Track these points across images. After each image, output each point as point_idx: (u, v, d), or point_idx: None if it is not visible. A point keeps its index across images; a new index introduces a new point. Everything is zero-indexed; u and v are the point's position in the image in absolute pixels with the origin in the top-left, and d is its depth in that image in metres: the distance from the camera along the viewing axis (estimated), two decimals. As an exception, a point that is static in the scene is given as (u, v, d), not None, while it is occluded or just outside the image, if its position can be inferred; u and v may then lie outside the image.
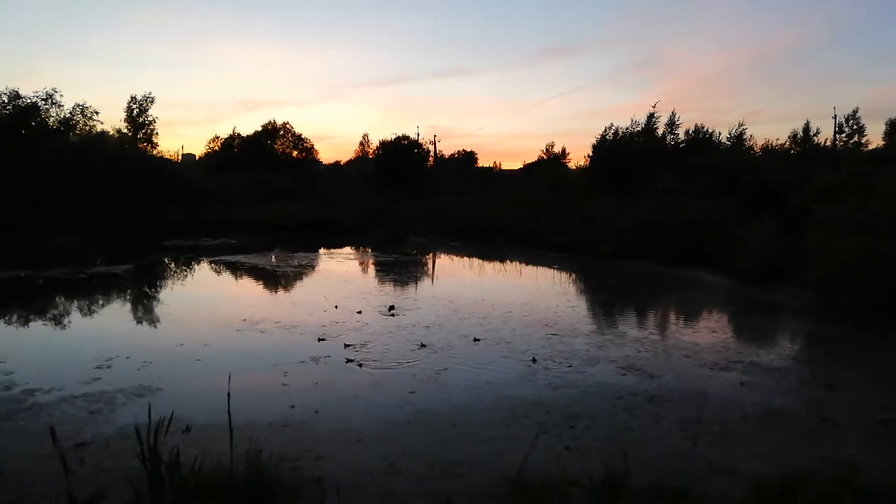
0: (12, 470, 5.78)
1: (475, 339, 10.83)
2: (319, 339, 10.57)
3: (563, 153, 79.00)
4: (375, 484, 5.61)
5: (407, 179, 52.05)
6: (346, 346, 10.33)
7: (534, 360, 9.51)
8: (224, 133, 77.79)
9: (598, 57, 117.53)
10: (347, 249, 26.94)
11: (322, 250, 26.47)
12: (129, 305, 14.45)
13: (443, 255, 24.86)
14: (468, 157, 79.00)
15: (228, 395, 4.58)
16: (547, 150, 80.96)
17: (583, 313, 13.75)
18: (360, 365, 9.27)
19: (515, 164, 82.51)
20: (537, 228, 28.96)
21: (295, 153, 60.39)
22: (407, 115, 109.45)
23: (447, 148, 71.28)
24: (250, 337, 10.91)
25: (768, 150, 41.37)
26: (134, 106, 46.56)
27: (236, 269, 20.16)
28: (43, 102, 43.11)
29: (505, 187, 54.69)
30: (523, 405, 7.62)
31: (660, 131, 44.32)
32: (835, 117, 45.64)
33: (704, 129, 43.58)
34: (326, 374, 8.87)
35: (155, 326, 11.92)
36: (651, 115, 44.49)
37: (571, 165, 69.36)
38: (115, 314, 13.40)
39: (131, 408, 7.43)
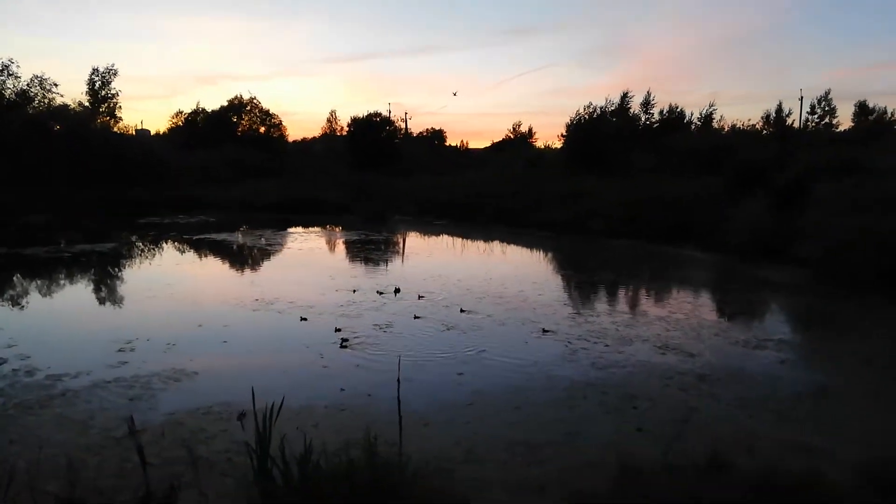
0: (66, 462, 5.38)
1: (501, 323, 10.66)
2: (337, 329, 10.15)
3: (531, 132, 79.03)
4: (460, 471, 5.40)
5: (380, 157, 51.31)
6: (375, 325, 10.05)
7: (569, 343, 9.38)
8: (185, 108, 75.55)
9: (562, 37, 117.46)
10: (334, 228, 26.43)
11: (309, 229, 25.89)
12: (129, 284, 13.81)
13: (432, 235, 24.57)
14: (437, 136, 78.31)
15: (398, 381, 4.30)
16: (514, 129, 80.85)
17: (595, 292, 13.71)
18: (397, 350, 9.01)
19: (481, 143, 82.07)
20: (521, 207, 28.84)
21: (262, 129, 58.90)
22: (370, 92, 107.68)
23: (414, 126, 70.26)
24: (270, 317, 10.53)
25: (738, 130, 42.05)
26: (96, 78, 44.55)
27: (228, 248, 19.54)
28: (-2, 74, 40.88)
29: (476, 166, 54.41)
30: (577, 386, 7.50)
31: (633, 111, 44.63)
32: (801, 99, 46.71)
33: (679, 110, 44.02)
34: (363, 355, 8.58)
35: (166, 306, 11.38)
36: (625, 95, 44.75)
37: (539, 145, 69.52)
38: (119, 293, 12.83)
39: (172, 393, 7.05)
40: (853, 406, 7.07)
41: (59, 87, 43.04)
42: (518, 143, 72.30)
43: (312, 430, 6.04)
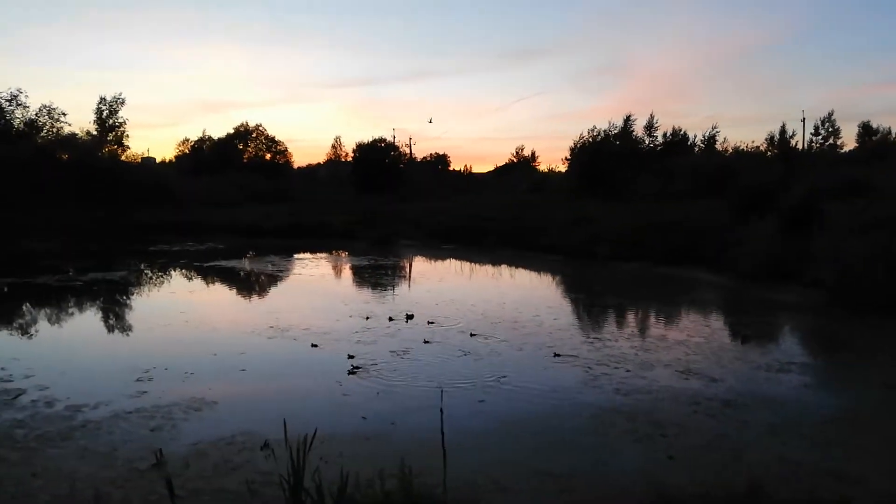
0: (91, 495, 5.29)
1: (519, 348, 10.58)
2: (350, 356, 10.09)
3: (533, 156, 79.51)
4: (488, 501, 5.30)
5: (385, 182, 51.54)
6: (391, 352, 9.98)
7: (589, 368, 9.29)
8: (189, 135, 76.10)
9: (560, 60, 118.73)
10: (342, 254, 26.41)
11: (317, 254, 25.91)
12: (143, 312, 13.77)
13: (441, 259, 24.55)
14: (440, 160, 78.70)
15: (441, 410, 4.22)
16: (517, 153, 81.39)
17: (610, 316, 13.63)
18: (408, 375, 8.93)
19: (483, 167, 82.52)
20: (528, 231, 28.83)
21: (268, 156, 59.31)
22: (372, 118, 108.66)
23: (417, 151, 70.58)
24: (285, 345, 10.46)
25: (740, 152, 42.16)
26: (103, 107, 45.05)
27: (238, 275, 19.55)
28: (7, 103, 41.44)
29: (479, 190, 54.68)
30: (603, 413, 7.40)
31: (637, 133, 44.84)
32: (803, 120, 46.98)
33: (682, 132, 44.23)
34: (383, 383, 8.50)
35: (181, 334, 11.31)
36: (627, 118, 44.97)
37: (542, 168, 69.86)
38: (134, 322, 12.77)
39: (193, 423, 6.97)
40: (883, 432, 6.96)
41: (66, 115, 43.61)
42: (521, 167, 72.74)
43: (338, 459, 5.93)
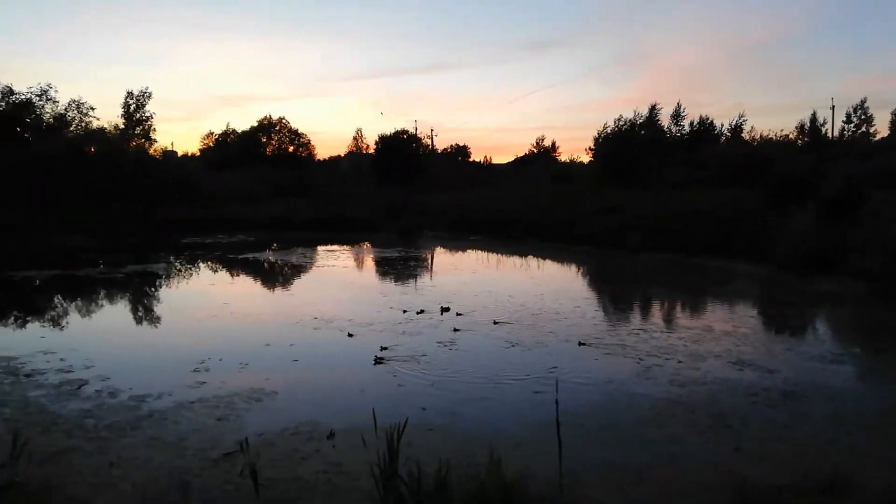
0: (168, 485, 5.37)
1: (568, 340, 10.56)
2: (383, 347, 10.09)
3: (554, 146, 78.89)
4: (569, 493, 5.28)
5: (408, 174, 51.57)
6: (439, 343, 10.02)
7: (640, 360, 9.24)
8: (208, 129, 76.58)
9: (578, 51, 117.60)
10: (371, 246, 26.48)
11: (346, 247, 26.03)
12: (187, 303, 14.00)
13: (469, 251, 24.52)
14: (461, 151, 78.49)
15: (557, 402, 4.22)
16: (537, 143, 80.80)
17: (651, 307, 13.56)
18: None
19: (502, 158, 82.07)
20: (556, 221, 28.69)
21: (291, 148, 59.59)
22: (390, 109, 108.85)
23: (437, 142, 70.40)
24: (333, 336, 10.53)
25: (771, 141, 41.51)
26: (130, 101, 45.46)
27: (273, 267, 19.76)
28: (37, 98, 41.91)
29: (500, 181, 54.43)
30: (661, 404, 7.36)
31: (663, 123, 44.34)
32: (832, 108, 46.13)
33: (709, 121, 43.65)
34: (435, 373, 8.53)
35: (228, 325, 11.44)
36: (653, 107, 44.47)
37: (562, 159, 69.34)
38: (180, 312, 12.93)
39: (256, 413, 7.05)
40: (953, 423, 6.85)
41: (94, 110, 44.11)
42: (542, 158, 72.25)
43: (406, 449, 5.96)
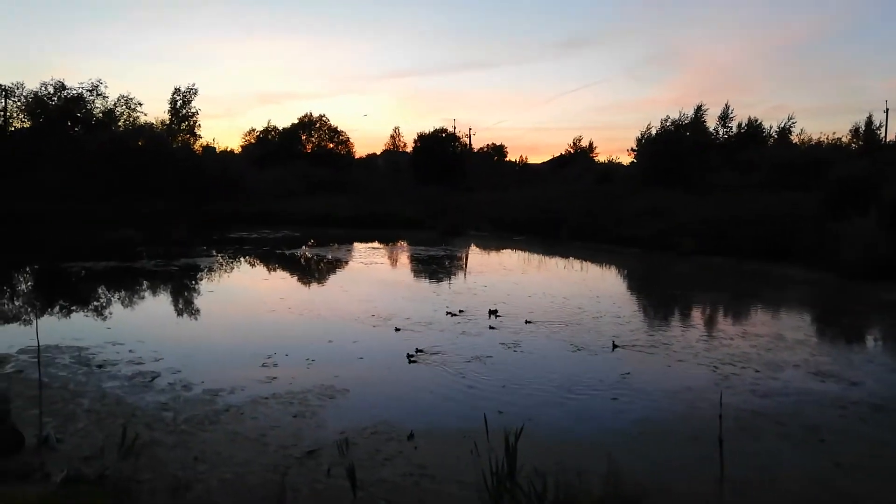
0: (252, 481, 5.29)
1: (615, 345, 10.28)
2: (418, 350, 9.91)
3: (591, 147, 77.82)
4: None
5: (446, 173, 51.47)
6: (503, 344, 9.84)
7: (715, 368, 8.92)
8: (246, 125, 77.65)
9: (614, 49, 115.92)
10: (416, 244, 26.39)
11: (392, 244, 26.03)
12: (245, 296, 14.17)
13: (515, 251, 24.28)
14: (498, 151, 78.11)
15: (720, 417, 4.01)
16: (575, 143, 79.86)
17: (715, 313, 13.20)
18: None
19: (537, 158, 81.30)
20: (601, 223, 28.28)
21: (331, 146, 59.97)
22: (425, 108, 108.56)
23: (474, 141, 70.08)
24: (392, 335, 10.41)
25: (823, 144, 40.25)
26: (177, 98, 46.26)
27: (325, 263, 19.87)
28: (88, 94, 42.97)
29: (537, 181, 53.93)
30: (746, 415, 7.06)
31: (709, 124, 43.39)
32: (886, 111, 44.59)
33: (758, 122, 42.57)
34: (503, 376, 8.35)
35: (289, 320, 11.45)
36: (699, 108, 43.53)
37: (600, 159, 68.45)
38: (239, 305, 13.03)
39: (331, 411, 6.98)
40: None
41: (142, 105, 45.05)
42: (580, 158, 71.43)
43: (493, 454, 5.81)
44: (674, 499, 5.01)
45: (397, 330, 10.66)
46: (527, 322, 11.26)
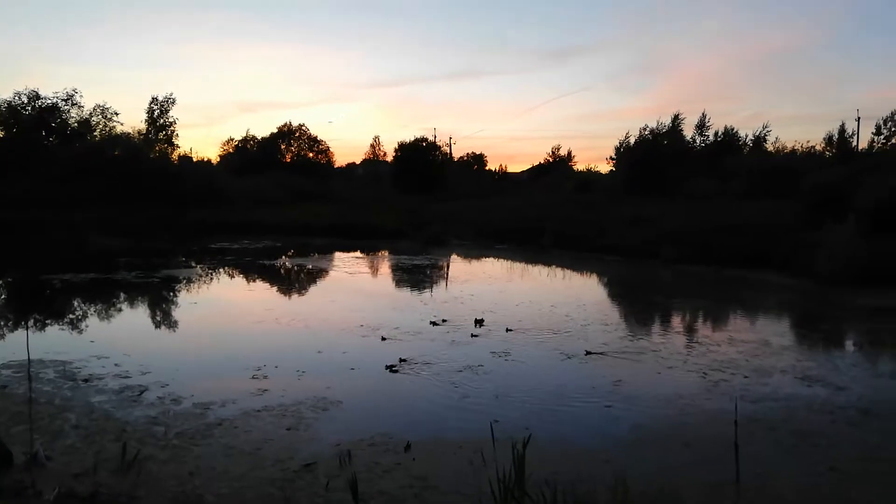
0: (249, 496, 5.21)
1: (594, 353, 10.33)
2: (402, 359, 9.80)
3: (570, 156, 78.41)
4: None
5: (427, 182, 51.52)
6: (493, 353, 9.84)
7: (704, 374, 9.00)
8: (225, 135, 76.96)
9: (595, 59, 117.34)
10: (399, 254, 26.29)
11: (375, 254, 25.93)
12: (230, 308, 13.96)
13: (499, 260, 24.32)
14: (478, 160, 78.40)
15: (735, 423, 4.01)
16: (553, 152, 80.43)
17: (700, 320, 13.34)
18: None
19: (517, 167, 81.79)
20: (583, 231, 28.45)
21: (311, 155, 59.69)
22: (405, 117, 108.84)
23: (453, 150, 70.34)
24: (382, 345, 10.34)
25: (795, 152, 41.03)
26: (155, 107, 45.81)
27: (309, 273, 19.78)
28: (63, 103, 42.35)
29: (517, 190, 54.23)
30: (740, 422, 7.09)
31: (686, 132, 44.05)
32: (858, 119, 45.57)
33: (734, 131, 43.31)
34: (496, 385, 8.34)
35: (277, 331, 11.31)
36: (676, 117, 44.23)
37: (579, 168, 69.07)
38: (224, 317, 12.82)
39: (325, 423, 6.91)
40: None
41: (119, 115, 44.47)
42: (559, 166, 71.95)
43: (494, 464, 5.79)
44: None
45: (383, 339, 10.63)
46: (507, 330, 11.26)
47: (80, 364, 8.85)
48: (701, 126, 42.95)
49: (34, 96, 41.26)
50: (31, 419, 5.97)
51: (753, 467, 5.93)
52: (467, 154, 77.12)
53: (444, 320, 12.13)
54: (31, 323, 11.84)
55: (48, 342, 10.04)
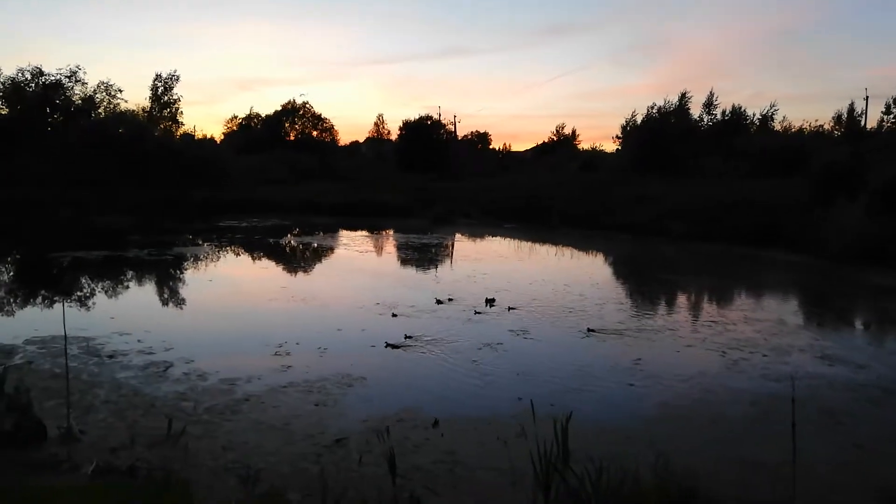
0: (285, 471, 5.26)
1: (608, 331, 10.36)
2: (407, 336, 9.93)
3: (574, 134, 77.88)
4: (706, 491, 5.07)
5: (432, 160, 51.28)
6: (510, 331, 9.87)
7: (723, 353, 9.02)
8: (225, 113, 76.44)
9: (596, 36, 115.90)
10: (408, 232, 26.24)
11: (382, 232, 25.92)
12: (244, 285, 14.07)
13: (508, 238, 24.29)
14: (482, 138, 77.92)
15: (793, 401, 4.08)
16: (557, 131, 79.86)
17: (714, 298, 13.37)
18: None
19: (520, 146, 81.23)
20: (591, 209, 28.40)
21: (315, 133, 59.36)
22: (407, 95, 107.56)
23: (457, 129, 69.88)
24: (398, 322, 10.34)
25: (803, 131, 40.74)
26: (159, 84, 45.44)
27: (319, 251, 19.83)
28: (67, 80, 41.92)
29: (520, 169, 53.95)
30: (763, 399, 7.17)
31: (693, 111, 43.70)
32: (866, 98, 45.14)
33: (742, 109, 42.94)
34: (519, 362, 8.37)
35: (294, 309, 11.34)
36: (683, 95, 43.83)
37: (583, 146, 68.66)
38: (242, 296, 12.82)
39: (352, 399, 6.96)
40: None
41: (122, 92, 44.13)
42: (564, 146, 71.53)
43: (522, 442, 5.85)
44: (723, 483, 5.05)
45: (394, 315, 10.71)
46: (510, 309, 11.26)
47: (103, 340, 8.90)
48: (709, 105, 42.60)
49: (37, 73, 40.85)
50: (68, 393, 6.01)
51: (783, 444, 5.96)
52: (471, 133, 76.55)
53: (450, 299, 12.12)
54: (48, 299, 11.89)
55: (69, 318, 9.94)
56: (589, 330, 9.96)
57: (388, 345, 8.92)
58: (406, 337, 9.29)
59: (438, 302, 11.80)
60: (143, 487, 4.55)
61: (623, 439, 6.00)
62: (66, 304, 10.69)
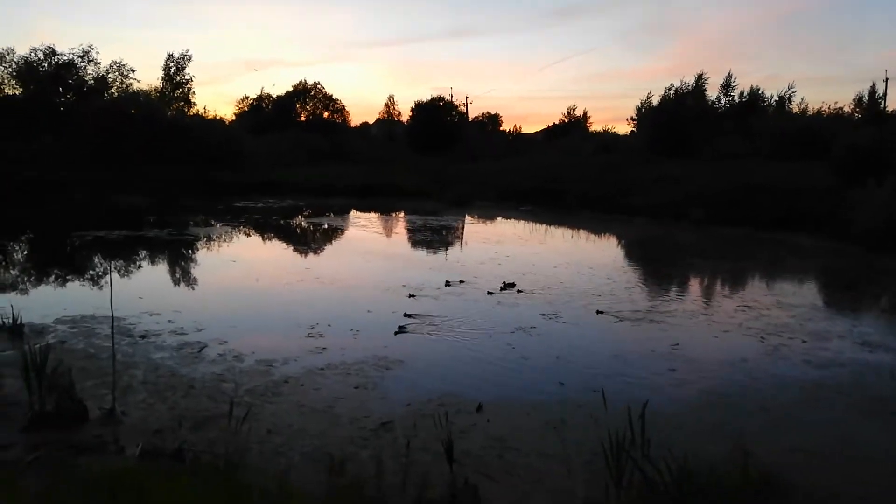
0: (338, 455, 5.15)
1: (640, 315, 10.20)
2: (406, 314, 9.83)
3: (586, 116, 77.13)
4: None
5: (444, 142, 50.97)
6: (542, 315, 9.74)
7: (762, 338, 8.86)
8: (235, 93, 76.10)
9: (607, 17, 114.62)
10: (426, 215, 26.08)
11: (400, 215, 25.79)
12: (269, 266, 13.90)
13: (526, 221, 24.08)
14: (493, 120, 77.41)
15: None
16: (569, 112, 79.11)
17: (744, 282, 13.17)
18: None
19: (530, 128, 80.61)
20: (608, 192, 28.11)
21: (326, 114, 59.06)
22: (416, 76, 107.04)
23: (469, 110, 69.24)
24: (429, 304, 10.22)
25: (822, 114, 40.09)
26: (171, 64, 45.24)
27: (336, 233, 19.72)
28: (79, 60, 41.80)
29: (531, 151, 53.42)
30: (809, 386, 7.01)
31: (710, 93, 43.12)
32: (886, 80, 44.39)
33: (760, 91, 42.32)
34: (555, 346, 8.25)
35: (321, 290, 11.23)
36: (700, 77, 43.23)
37: (594, 128, 68.05)
38: (267, 277, 12.58)
39: (391, 382, 6.86)
40: None
41: (135, 72, 43.96)
42: (575, 128, 70.88)
43: (561, 427, 5.75)
44: (791, 470, 4.91)
45: (411, 296, 10.65)
46: (518, 291, 11.15)
47: (134, 320, 8.83)
48: (727, 86, 42.05)
49: (50, 52, 40.75)
50: (114, 375, 5.94)
51: (835, 432, 5.84)
52: (482, 114, 76.05)
53: (466, 279, 12.01)
54: (71, 278, 11.84)
55: (97, 298, 10.01)
56: (598, 312, 9.86)
57: (410, 322, 8.82)
58: (405, 315, 9.35)
59: (462, 283, 11.69)
60: (198, 472, 4.46)
61: (673, 427, 5.87)
62: (96, 284, 10.63)
